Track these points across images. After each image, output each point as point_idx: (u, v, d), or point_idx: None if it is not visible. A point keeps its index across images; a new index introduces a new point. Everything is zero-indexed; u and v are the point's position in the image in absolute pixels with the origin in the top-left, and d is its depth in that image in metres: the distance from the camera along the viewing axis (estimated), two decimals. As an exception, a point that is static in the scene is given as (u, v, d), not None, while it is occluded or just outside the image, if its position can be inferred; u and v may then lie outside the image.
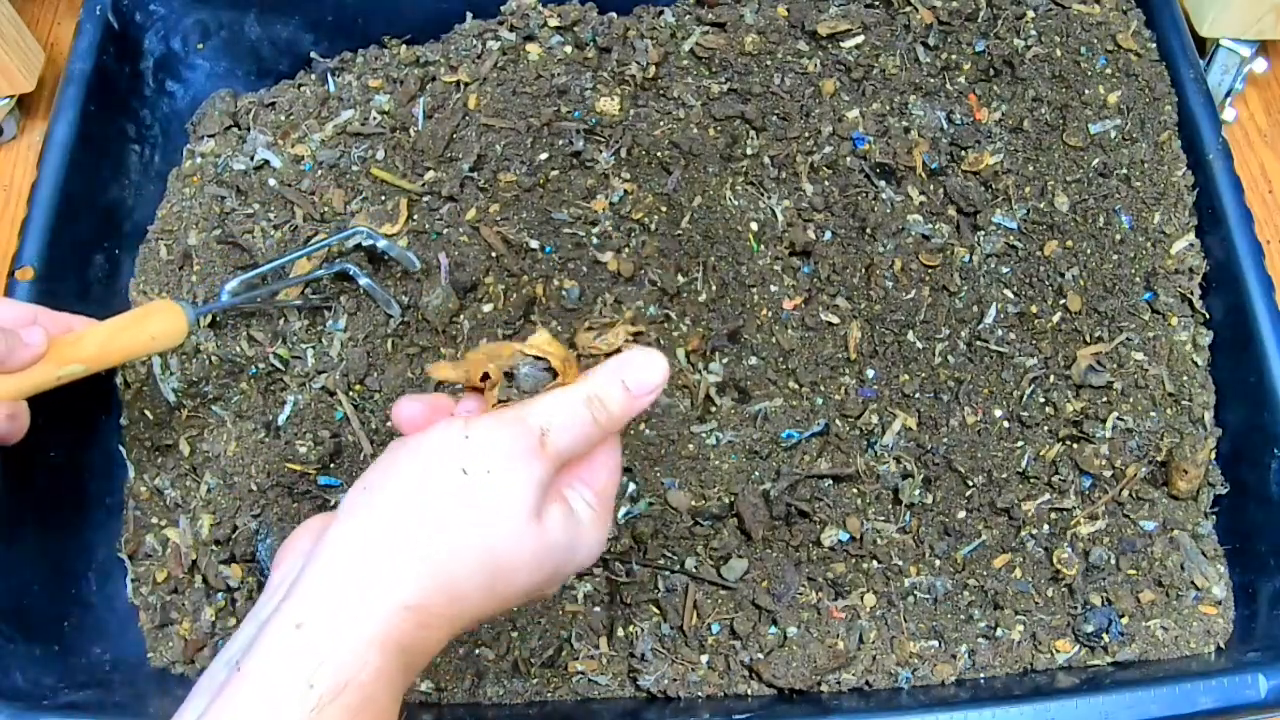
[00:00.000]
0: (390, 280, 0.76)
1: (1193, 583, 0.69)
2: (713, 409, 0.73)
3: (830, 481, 0.71)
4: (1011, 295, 0.77)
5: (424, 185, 0.79)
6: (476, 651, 0.67)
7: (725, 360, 0.74)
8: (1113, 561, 0.69)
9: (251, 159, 0.82)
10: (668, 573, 0.68)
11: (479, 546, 0.42)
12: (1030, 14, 0.84)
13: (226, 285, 0.72)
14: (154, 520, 0.72)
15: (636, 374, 0.46)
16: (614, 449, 0.48)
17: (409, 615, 0.40)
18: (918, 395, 0.74)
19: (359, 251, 0.77)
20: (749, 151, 0.81)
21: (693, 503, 0.69)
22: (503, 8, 0.87)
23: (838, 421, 0.72)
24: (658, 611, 0.67)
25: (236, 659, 0.40)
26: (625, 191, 0.78)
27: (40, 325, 0.59)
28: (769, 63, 0.84)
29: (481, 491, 0.42)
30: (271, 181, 0.81)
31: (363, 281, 0.75)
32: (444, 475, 0.42)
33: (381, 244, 0.75)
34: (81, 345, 0.61)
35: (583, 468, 0.47)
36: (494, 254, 0.76)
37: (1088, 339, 0.75)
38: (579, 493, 0.46)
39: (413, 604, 0.40)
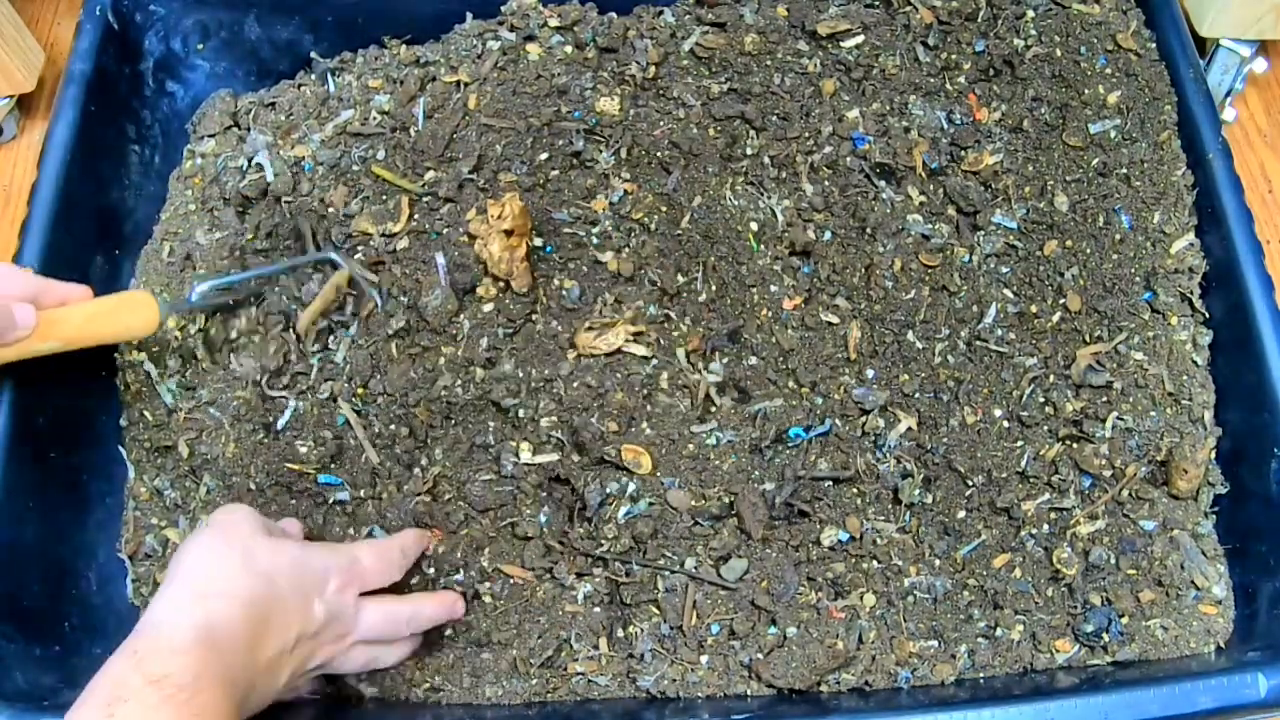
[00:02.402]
0: (392, 282, 0.76)
1: (1193, 582, 0.69)
2: (713, 409, 0.73)
3: (830, 481, 0.71)
4: (1011, 295, 0.77)
5: (424, 185, 0.79)
6: (476, 651, 0.67)
7: (725, 360, 0.74)
8: (1113, 561, 0.69)
9: (251, 160, 0.82)
10: (668, 573, 0.68)
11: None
12: (1030, 14, 0.84)
13: (196, 287, 0.72)
14: (154, 521, 0.72)
15: None
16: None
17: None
18: (918, 395, 0.74)
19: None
20: (749, 151, 0.81)
21: (693, 503, 0.69)
22: (503, 8, 0.87)
23: (838, 421, 0.72)
24: (657, 611, 0.67)
25: None
26: (625, 191, 0.78)
27: (36, 300, 0.64)
28: (769, 63, 0.84)
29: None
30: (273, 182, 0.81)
31: (346, 265, 0.75)
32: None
33: (353, 269, 0.75)
34: (61, 326, 0.65)
35: None
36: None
37: (1088, 339, 0.75)
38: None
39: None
